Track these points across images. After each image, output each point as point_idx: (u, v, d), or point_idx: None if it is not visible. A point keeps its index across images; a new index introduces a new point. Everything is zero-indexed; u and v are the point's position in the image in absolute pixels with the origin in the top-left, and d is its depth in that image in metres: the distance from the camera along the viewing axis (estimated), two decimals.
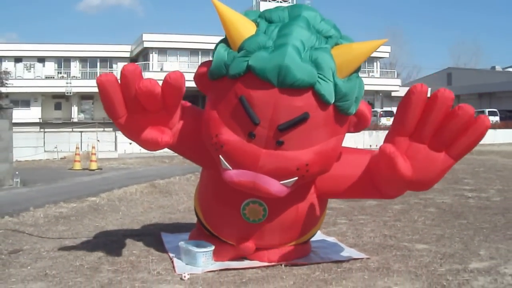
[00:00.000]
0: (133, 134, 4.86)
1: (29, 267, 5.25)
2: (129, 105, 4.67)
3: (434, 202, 9.25)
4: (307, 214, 5.12)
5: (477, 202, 9.33)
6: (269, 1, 52.63)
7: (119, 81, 4.64)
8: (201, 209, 5.50)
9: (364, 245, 6.03)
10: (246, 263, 5.24)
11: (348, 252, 5.71)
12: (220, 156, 4.55)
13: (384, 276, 4.72)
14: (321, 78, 4.27)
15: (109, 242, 6.31)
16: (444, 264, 5.12)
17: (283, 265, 5.15)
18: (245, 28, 4.50)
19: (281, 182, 4.49)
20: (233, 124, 4.48)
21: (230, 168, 4.54)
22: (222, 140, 4.49)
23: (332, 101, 4.37)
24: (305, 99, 4.30)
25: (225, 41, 4.66)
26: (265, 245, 5.21)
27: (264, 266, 5.12)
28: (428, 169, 4.40)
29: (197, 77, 4.93)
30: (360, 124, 4.80)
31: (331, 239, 6.31)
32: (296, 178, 4.52)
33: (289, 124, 4.31)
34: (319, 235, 6.33)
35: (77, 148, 20.32)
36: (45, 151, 26.78)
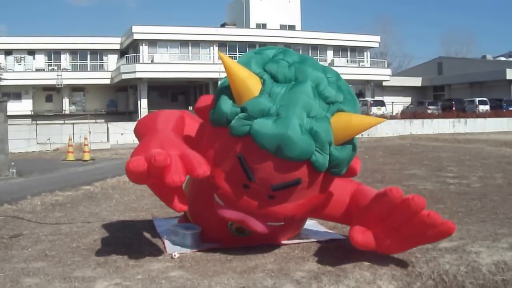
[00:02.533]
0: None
1: (29, 249, 5.53)
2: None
3: (416, 189, 9.49)
4: (292, 227, 5.50)
5: (457, 188, 9.62)
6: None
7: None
8: (189, 210, 5.67)
9: (343, 228, 6.29)
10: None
11: (327, 234, 6.08)
12: (215, 196, 4.89)
13: (358, 254, 5.01)
14: (317, 151, 4.40)
15: (104, 227, 6.62)
16: None
17: (265, 245, 5.45)
18: (251, 85, 4.48)
19: (268, 223, 4.86)
20: (230, 174, 4.65)
21: (223, 204, 4.86)
22: (218, 183, 4.70)
23: (325, 168, 4.54)
24: (300, 168, 4.47)
25: (227, 91, 4.63)
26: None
27: (248, 246, 5.41)
28: (390, 251, 4.88)
29: (198, 112, 5.00)
30: (347, 175, 5.00)
31: (312, 222, 6.65)
32: (282, 223, 4.95)
33: (281, 186, 4.54)
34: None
35: (69, 139, 20.58)
36: (37, 143, 26.99)
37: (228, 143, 4.61)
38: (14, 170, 13.31)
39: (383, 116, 37.99)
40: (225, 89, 4.65)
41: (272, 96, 4.47)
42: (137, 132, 5.56)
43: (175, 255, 5.12)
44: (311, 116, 4.41)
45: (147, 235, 6.17)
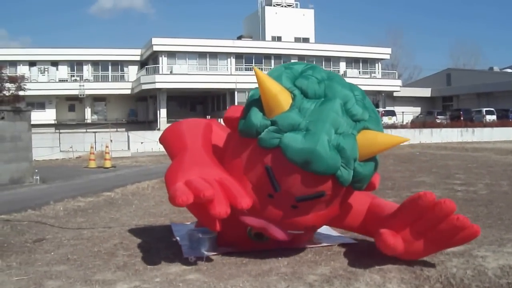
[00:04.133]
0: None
1: (52, 253, 5.70)
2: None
3: None
4: (308, 233, 5.60)
5: (464, 195, 9.67)
6: (274, 5, 53.33)
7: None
8: None
9: (354, 232, 6.50)
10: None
11: (338, 238, 6.21)
12: None
13: (369, 258, 5.14)
14: (343, 167, 4.54)
15: (124, 231, 6.82)
16: None
17: (279, 249, 5.52)
18: (282, 100, 4.61)
19: (288, 231, 5.01)
20: (255, 183, 4.80)
21: (246, 212, 4.93)
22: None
23: (349, 183, 4.69)
24: (325, 181, 4.62)
25: (258, 103, 4.76)
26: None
27: (263, 250, 5.51)
28: (417, 255, 4.97)
29: (227, 121, 5.12)
30: (367, 190, 5.15)
31: (324, 227, 6.75)
32: (303, 231, 5.13)
33: (305, 198, 4.72)
34: None
35: (91, 147, 20.89)
36: (60, 151, 27.41)
37: (256, 154, 4.75)
38: (38, 177, 13.62)
39: (393, 126, 38.08)
40: (256, 101, 4.78)
41: (302, 111, 4.61)
42: (164, 141, 5.76)
43: (191, 259, 5.24)
44: (338, 133, 4.54)
45: (165, 239, 6.33)
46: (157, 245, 5.99)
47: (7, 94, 15.00)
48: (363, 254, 5.34)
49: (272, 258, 5.29)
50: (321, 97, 4.71)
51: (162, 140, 5.88)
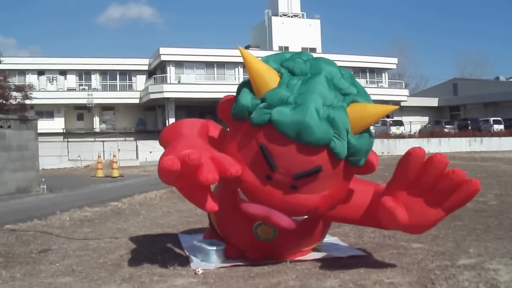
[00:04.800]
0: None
1: (57, 264, 5.66)
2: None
3: None
4: (315, 234, 5.60)
5: (474, 205, 9.54)
6: (281, 16, 53.47)
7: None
8: (215, 216, 5.81)
9: (364, 244, 6.39)
10: None
11: (348, 250, 6.10)
12: (239, 190, 5.01)
13: (379, 271, 5.08)
14: (336, 138, 4.57)
15: (130, 242, 6.76)
16: (434, 261, 5.46)
17: (287, 262, 5.51)
18: (269, 78, 4.77)
19: (292, 217, 4.93)
20: (252, 165, 4.79)
21: (247, 199, 4.96)
22: (241, 176, 4.79)
23: (344, 156, 4.68)
24: (320, 155, 4.62)
25: (247, 85, 4.93)
26: (272, 255, 5.56)
27: (271, 263, 5.48)
28: (422, 219, 4.85)
29: (220, 111, 5.26)
30: (366, 171, 5.14)
31: (333, 239, 6.69)
32: (306, 216, 5.04)
33: (303, 174, 4.68)
34: None
35: (99, 156, 20.86)
36: (69, 159, 27.47)
37: (249, 135, 4.80)
38: (45, 186, 13.62)
39: (401, 136, 37.93)
40: (245, 84, 4.97)
41: (289, 87, 4.73)
42: (162, 139, 5.70)
43: (199, 271, 5.19)
44: (327, 105, 4.62)
45: (172, 250, 6.27)
46: (164, 256, 5.91)
47: (13, 103, 14.99)
48: (373, 267, 5.26)
49: (280, 271, 5.22)
50: (308, 74, 4.84)
51: (160, 139, 5.81)
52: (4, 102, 14.91)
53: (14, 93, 15.57)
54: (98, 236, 7.37)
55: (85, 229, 7.94)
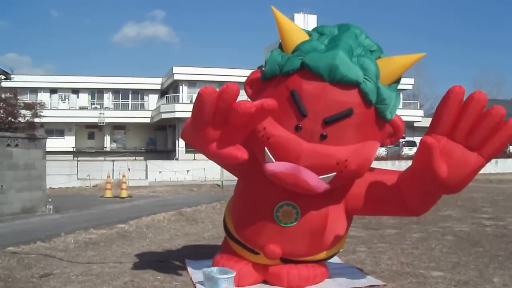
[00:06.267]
0: (210, 147, 4.84)
1: None
2: (216, 118, 4.69)
3: (452, 230, 9.26)
4: (335, 224, 5.31)
5: (494, 230, 9.30)
6: None
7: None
8: (233, 219, 5.67)
9: (382, 272, 6.10)
10: (266, 287, 5.39)
11: (365, 278, 5.80)
12: (266, 149, 4.80)
13: None
14: (366, 79, 4.68)
15: (135, 268, 6.49)
16: None
17: None
18: (299, 35, 5.02)
19: (320, 177, 4.73)
20: (281, 117, 4.79)
21: (274, 160, 4.77)
22: (269, 132, 4.75)
23: (374, 101, 4.76)
24: (351, 96, 4.70)
25: (277, 50, 5.11)
26: (292, 252, 5.31)
27: None
28: (462, 167, 4.56)
29: (249, 83, 5.34)
30: (395, 134, 5.12)
31: (349, 266, 6.40)
32: (334, 173, 4.74)
33: (334, 117, 4.67)
34: (338, 262, 6.47)
35: (108, 176, 20.75)
36: (78, 178, 27.40)
37: (279, 86, 4.91)
38: (51, 206, 13.40)
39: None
40: (275, 49, 5.14)
41: (320, 40, 4.95)
42: (184, 132, 5.35)
43: None
44: (356, 55, 4.79)
45: (179, 277, 5.98)
46: (170, 284, 5.67)
47: (22, 121, 14.87)
48: None
49: None
50: (336, 33, 5.06)
51: (183, 135, 5.48)
52: (12, 120, 14.74)
53: (23, 111, 15.41)
54: (103, 260, 7.10)
55: (90, 252, 7.68)
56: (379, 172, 5.36)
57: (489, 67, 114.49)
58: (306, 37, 5.02)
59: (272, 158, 4.78)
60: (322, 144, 4.72)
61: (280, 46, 5.13)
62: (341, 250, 5.84)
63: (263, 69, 5.12)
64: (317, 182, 4.74)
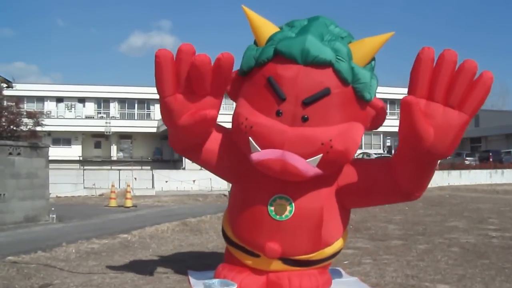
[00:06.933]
0: (177, 115, 5.04)
1: None
2: (179, 83, 4.96)
3: (458, 242, 9.10)
4: (331, 218, 5.23)
5: (500, 241, 9.14)
6: None
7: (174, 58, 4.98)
8: (230, 223, 5.63)
9: (386, 285, 5.95)
10: None
11: None
12: (250, 139, 4.87)
13: None
14: (339, 59, 4.78)
15: (136, 279, 6.35)
16: None
17: None
18: (271, 28, 5.19)
19: (307, 160, 4.74)
20: (262, 105, 4.90)
21: (259, 149, 4.83)
22: (251, 121, 4.86)
23: (350, 80, 4.84)
24: (326, 75, 4.78)
25: (250, 47, 5.26)
26: (291, 250, 5.20)
27: None
28: (446, 126, 4.50)
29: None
30: (378, 117, 5.14)
31: (353, 278, 6.25)
32: (321, 155, 4.74)
33: (313, 97, 4.75)
34: (341, 275, 6.33)
35: (112, 185, 20.66)
36: (84, 187, 27.41)
37: (256, 76, 5.05)
38: (54, 215, 13.33)
39: None
40: (249, 45, 5.29)
41: (291, 31, 5.10)
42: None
43: None
44: (326, 40, 4.89)
45: None
46: None
47: (24, 129, 14.85)
48: None
49: None
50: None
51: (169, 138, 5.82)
52: (15, 128, 14.69)
53: (25, 120, 15.38)
54: (104, 270, 6.95)
55: (91, 263, 7.53)
56: (370, 161, 5.41)
57: (494, 77, 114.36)
58: (276, 30, 5.19)
59: (257, 147, 4.84)
60: (305, 127, 4.77)
61: (255, 43, 5.26)
62: (342, 247, 5.67)
63: (240, 67, 5.26)
64: (305, 165, 4.75)
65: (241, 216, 5.43)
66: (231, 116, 5.13)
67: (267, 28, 5.18)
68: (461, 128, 4.53)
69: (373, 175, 5.18)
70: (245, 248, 5.43)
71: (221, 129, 5.63)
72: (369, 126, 5.21)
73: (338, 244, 5.47)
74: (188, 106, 5.00)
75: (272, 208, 5.09)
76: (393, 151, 42.13)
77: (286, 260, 5.26)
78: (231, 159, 5.47)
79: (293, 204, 5.07)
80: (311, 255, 5.27)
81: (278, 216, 5.08)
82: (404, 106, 4.48)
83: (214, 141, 5.48)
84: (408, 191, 5.03)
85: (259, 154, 4.82)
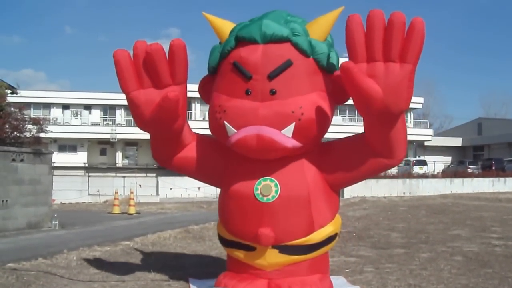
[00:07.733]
0: (144, 108, 5.19)
1: None
2: (141, 80, 5.16)
3: (461, 251, 9.01)
4: (319, 197, 5.27)
5: (503, 250, 9.04)
6: None
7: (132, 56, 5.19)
8: (221, 221, 5.74)
9: None
10: None
11: None
12: (225, 123, 5.09)
13: None
14: (295, 34, 5.08)
15: (137, 287, 6.28)
16: None
17: None
18: (231, 25, 5.46)
19: (282, 131, 4.94)
20: (231, 90, 5.16)
21: (235, 131, 5.05)
22: (224, 106, 5.13)
23: (309, 51, 5.10)
24: (286, 49, 5.06)
25: (215, 47, 5.53)
26: (284, 234, 5.20)
27: None
28: (393, 80, 4.60)
29: (201, 88, 5.76)
30: (345, 89, 5.00)
31: (355, 287, 6.16)
32: (294, 123, 4.94)
33: (277, 70, 5.01)
34: (343, 284, 6.24)
35: (116, 192, 20.66)
36: (89, 194, 27.45)
37: (223, 67, 5.32)
38: (57, 222, 13.28)
39: (424, 176, 37.44)
40: (212, 47, 5.55)
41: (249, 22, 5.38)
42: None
43: None
44: (281, 23, 5.16)
45: None
46: None
47: (27, 136, 14.84)
48: None
49: None
50: None
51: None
52: (18, 134, 14.67)
53: (29, 126, 15.37)
54: (105, 278, 6.86)
55: (92, 270, 7.45)
56: (346, 137, 5.64)
57: (498, 86, 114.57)
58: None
59: (233, 129, 5.06)
60: (275, 100, 5.00)
61: (220, 43, 5.49)
62: (337, 232, 5.58)
63: (208, 65, 5.54)
64: (282, 137, 4.96)
65: (230, 209, 5.49)
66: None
67: (228, 27, 5.44)
68: (409, 78, 4.64)
69: (351, 148, 5.40)
70: (240, 243, 5.42)
71: (199, 137, 5.85)
72: (338, 99, 5.35)
73: (330, 227, 5.44)
74: (153, 98, 5.10)
75: (258, 192, 5.17)
76: None
77: (282, 248, 5.24)
78: (213, 157, 5.72)
79: (277, 184, 5.16)
80: (305, 238, 5.26)
81: (265, 198, 5.15)
82: (344, 73, 4.63)
83: (193, 148, 5.70)
84: (384, 154, 5.14)
85: (235, 135, 5.05)
